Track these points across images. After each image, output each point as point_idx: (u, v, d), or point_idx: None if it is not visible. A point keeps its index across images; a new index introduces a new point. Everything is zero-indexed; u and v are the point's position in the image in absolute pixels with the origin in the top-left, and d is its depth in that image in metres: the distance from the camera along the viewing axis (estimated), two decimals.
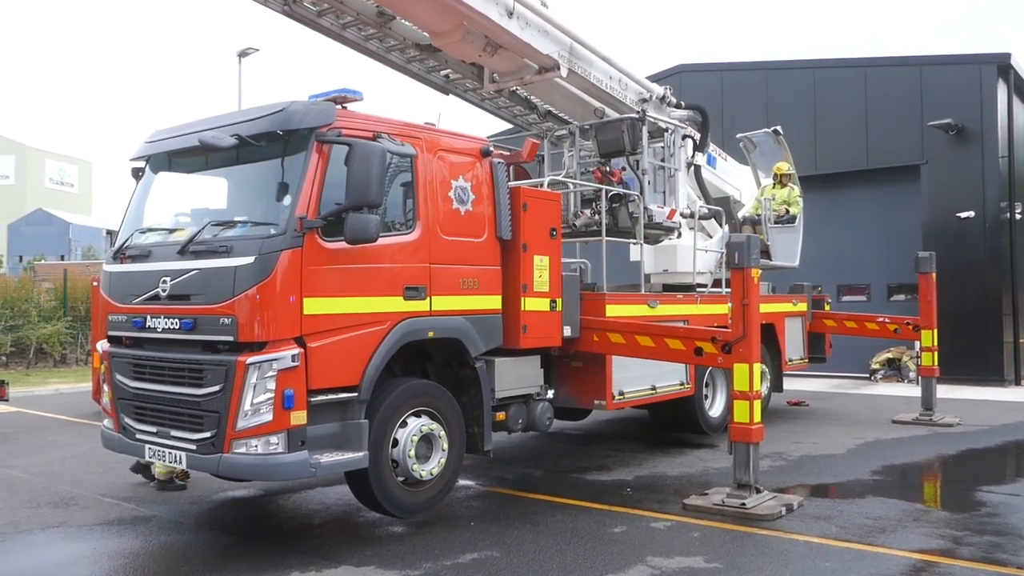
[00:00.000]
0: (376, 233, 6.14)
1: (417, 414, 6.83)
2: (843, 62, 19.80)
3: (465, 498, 7.93)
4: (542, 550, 6.23)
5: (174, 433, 6.35)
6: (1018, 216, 18.02)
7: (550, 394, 8.39)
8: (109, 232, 7.47)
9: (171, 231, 6.96)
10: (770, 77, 20.14)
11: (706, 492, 7.72)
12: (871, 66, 18.98)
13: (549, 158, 11.48)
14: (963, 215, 17.26)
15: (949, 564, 5.88)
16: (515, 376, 7.91)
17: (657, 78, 13.75)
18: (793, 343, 12.93)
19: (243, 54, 26.15)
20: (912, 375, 17.13)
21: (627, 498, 7.84)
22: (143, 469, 8.37)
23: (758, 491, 7.41)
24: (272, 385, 5.85)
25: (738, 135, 13.90)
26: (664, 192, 10.64)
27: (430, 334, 6.96)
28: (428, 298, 6.91)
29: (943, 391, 13.54)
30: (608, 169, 10.14)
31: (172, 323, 6.39)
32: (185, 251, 6.37)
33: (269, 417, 5.86)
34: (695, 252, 10.63)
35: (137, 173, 7.50)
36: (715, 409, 10.91)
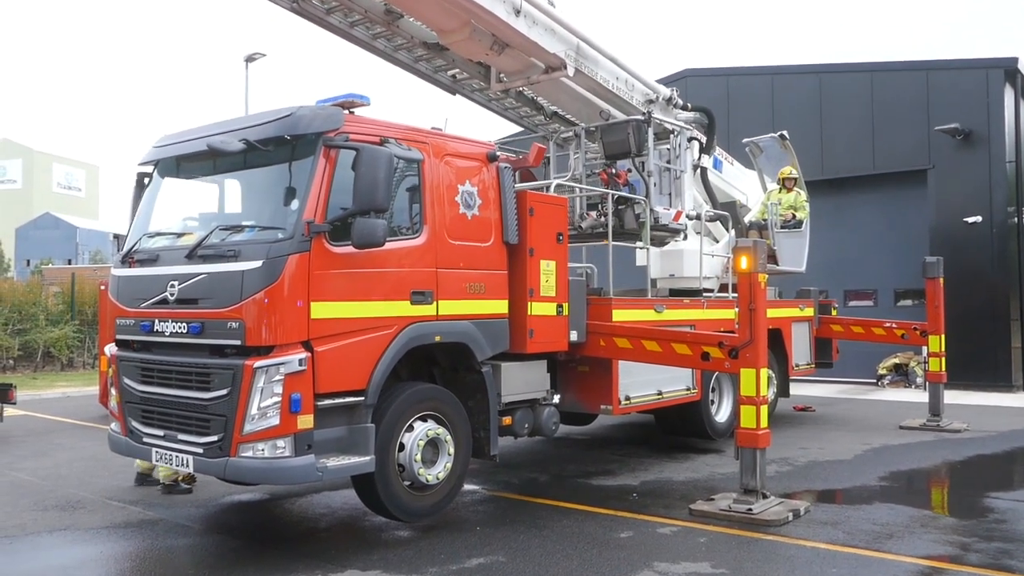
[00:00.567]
0: (383, 237, 6.15)
1: (423, 418, 6.83)
2: (849, 67, 19.78)
3: (471, 503, 7.92)
4: (548, 555, 6.23)
5: (181, 437, 6.37)
6: None
7: (556, 399, 8.39)
8: (116, 236, 7.52)
9: (179, 235, 7.00)
10: (776, 82, 20.13)
11: (712, 497, 7.70)
12: (878, 71, 18.95)
13: (555, 160, 11.49)
14: (970, 220, 17.21)
15: (957, 571, 5.86)
16: (521, 381, 7.92)
17: (663, 83, 13.75)
18: (800, 348, 12.90)
19: (250, 59, 26.24)
20: (919, 380, 17.07)
21: (633, 503, 7.83)
22: (145, 479, 8.38)
23: (765, 496, 7.40)
24: (279, 389, 5.86)
25: (744, 140, 13.89)
26: (670, 194, 10.64)
27: (437, 338, 6.97)
28: (435, 302, 6.91)
29: (950, 397, 13.49)
30: (614, 171, 10.14)
31: (180, 327, 6.40)
32: (193, 255, 6.39)
33: (276, 421, 5.87)
34: (701, 257, 10.62)
35: (141, 179, 7.53)
36: (721, 414, 10.89)
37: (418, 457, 6.68)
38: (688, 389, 10.07)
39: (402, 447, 6.65)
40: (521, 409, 7.92)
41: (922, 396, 14.02)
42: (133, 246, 7.11)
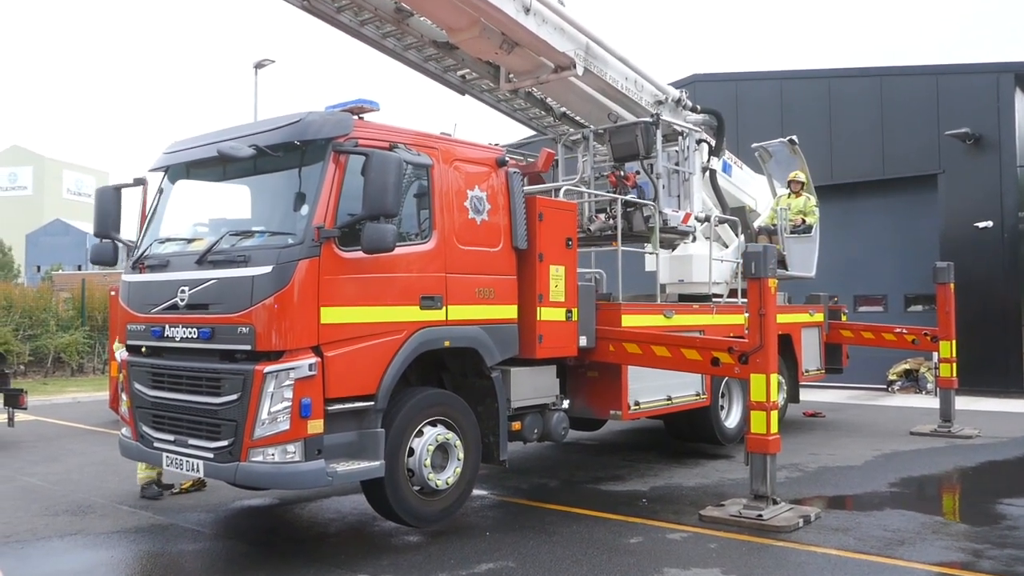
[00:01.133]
0: (393, 243, 6.16)
1: (433, 423, 6.83)
2: (859, 71, 19.74)
3: (480, 508, 7.91)
4: (558, 561, 6.21)
5: (192, 442, 6.39)
6: None
7: (565, 404, 8.38)
8: (120, 241, 7.45)
9: (189, 241, 7.02)
10: (785, 86, 20.10)
11: (722, 503, 7.67)
12: (887, 75, 18.92)
13: (563, 162, 11.49)
14: (981, 225, 17.14)
15: None
16: (531, 386, 7.91)
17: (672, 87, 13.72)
18: (810, 354, 12.85)
19: (259, 65, 26.36)
20: (930, 386, 16.98)
21: (643, 509, 7.81)
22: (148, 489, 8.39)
23: (775, 502, 7.37)
24: (289, 394, 5.87)
25: (753, 145, 13.87)
26: (679, 196, 10.62)
27: (446, 343, 6.97)
28: (444, 307, 6.92)
29: (962, 402, 13.43)
30: (622, 173, 10.13)
31: (190, 332, 6.42)
32: (203, 261, 6.41)
33: (286, 426, 5.88)
34: (711, 262, 10.60)
35: (140, 181, 7.57)
36: (731, 420, 10.85)
37: (428, 462, 6.68)
38: (698, 394, 10.04)
39: (412, 452, 6.65)
40: (530, 414, 7.91)
41: (933, 402, 13.96)
42: (144, 252, 7.14)
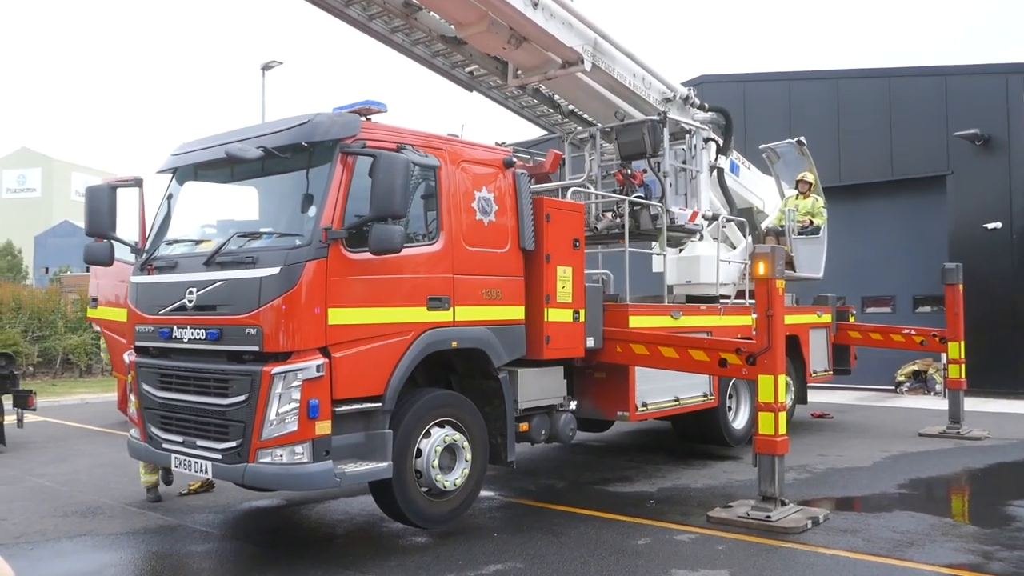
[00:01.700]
0: (400, 244, 6.16)
1: (440, 424, 6.83)
2: (867, 72, 19.68)
3: (488, 509, 7.91)
4: (565, 562, 6.21)
5: (200, 443, 6.40)
6: None
7: (573, 405, 8.37)
8: (117, 240, 7.44)
9: (197, 242, 7.04)
10: (793, 87, 20.05)
11: (730, 504, 7.66)
12: (895, 76, 18.85)
13: (571, 161, 11.49)
14: (990, 226, 17.06)
15: None
16: (538, 387, 7.90)
17: None
18: (818, 355, 12.83)
19: (267, 67, 26.42)
20: (939, 387, 16.92)
21: (650, 510, 7.79)
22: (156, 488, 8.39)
23: (783, 504, 7.35)
24: (297, 395, 5.88)
25: (761, 146, 13.84)
26: (686, 195, 10.61)
27: (453, 344, 6.97)
28: (451, 308, 6.92)
29: (971, 404, 13.37)
30: (629, 172, 10.14)
31: (198, 333, 6.44)
32: (211, 262, 6.43)
33: (294, 427, 5.89)
34: (719, 263, 10.58)
35: (137, 181, 7.59)
36: (739, 421, 10.84)
37: (435, 463, 6.68)
38: (705, 396, 10.03)
39: (419, 453, 6.65)
40: (538, 415, 7.91)
41: (941, 403, 13.91)
42: (152, 253, 7.16)
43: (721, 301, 10.57)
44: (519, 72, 9.83)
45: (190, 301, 6.48)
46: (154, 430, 6.87)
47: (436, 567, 6.12)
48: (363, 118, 6.57)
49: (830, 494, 8.50)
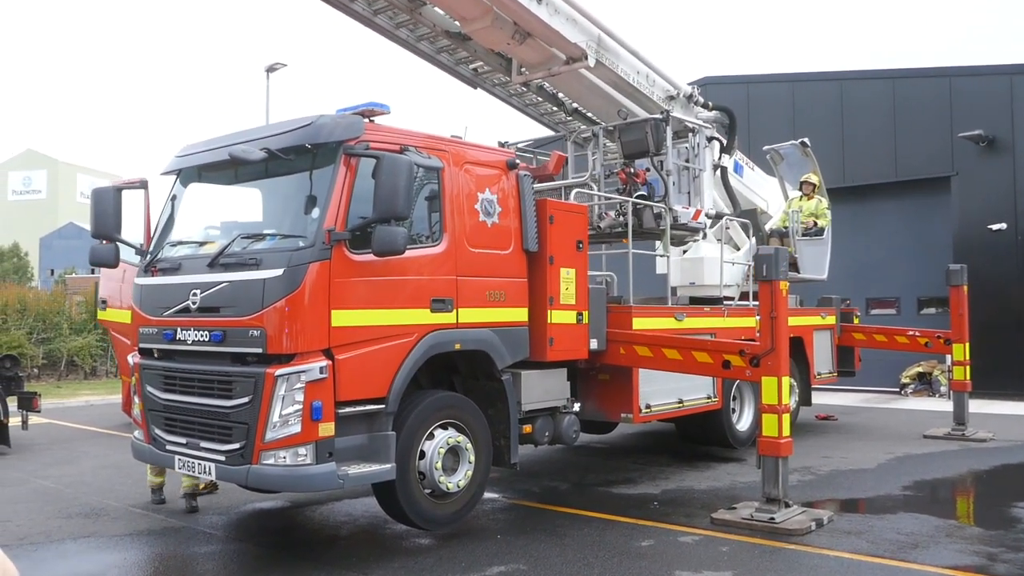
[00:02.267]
0: (403, 245, 6.17)
1: (444, 426, 6.83)
2: (871, 73, 19.65)
3: (491, 511, 7.91)
4: (569, 564, 6.20)
5: (203, 444, 6.41)
6: None
7: (577, 407, 8.36)
8: (122, 242, 7.45)
9: (201, 244, 7.05)
10: (797, 89, 20.03)
11: (734, 506, 7.64)
12: (899, 77, 18.82)
13: (574, 160, 11.50)
14: (995, 227, 17.02)
15: None
16: (542, 389, 7.90)
17: None
18: (822, 357, 12.80)
19: (271, 69, 26.47)
20: (943, 389, 16.88)
21: (654, 512, 7.78)
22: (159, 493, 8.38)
23: (787, 505, 7.33)
24: (300, 397, 5.88)
25: (765, 147, 13.82)
26: (689, 193, 10.61)
27: (457, 346, 6.97)
28: (455, 310, 6.92)
29: (975, 406, 13.34)
30: (632, 170, 10.14)
31: (202, 335, 6.45)
32: (215, 264, 6.44)
33: (297, 429, 5.89)
34: (722, 265, 10.57)
35: (142, 183, 7.59)
36: (743, 423, 10.82)
37: (439, 465, 6.68)
38: (709, 397, 10.01)
39: (423, 455, 6.66)
40: (541, 417, 7.90)
41: (946, 405, 13.87)
42: (156, 255, 7.18)
43: (725, 303, 10.57)
44: (523, 69, 9.87)
45: (194, 303, 6.49)
46: (158, 432, 6.88)
47: (439, 569, 6.12)
48: (366, 120, 6.57)
49: (834, 496, 8.48)
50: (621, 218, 9.72)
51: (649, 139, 9.83)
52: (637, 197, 9.82)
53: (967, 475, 9.70)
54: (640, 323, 8.91)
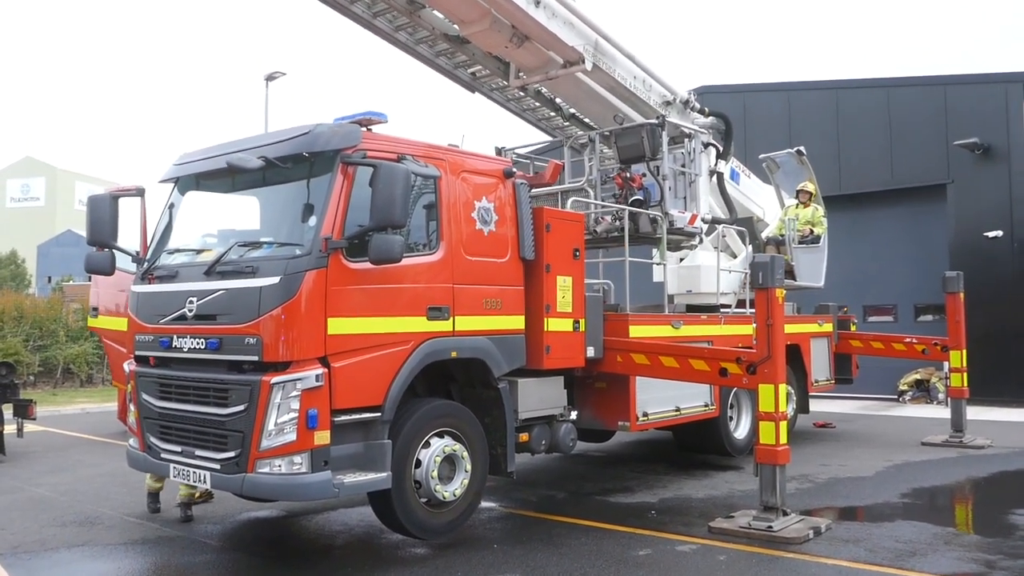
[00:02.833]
0: (400, 253, 6.17)
1: (440, 435, 6.81)
2: (866, 82, 19.70)
3: (488, 520, 7.89)
4: (566, 573, 6.18)
5: (199, 452, 6.39)
6: None
7: (573, 415, 8.35)
8: (118, 250, 7.44)
9: (198, 252, 7.05)
10: (793, 98, 20.08)
11: (732, 515, 7.63)
12: (895, 86, 18.88)
13: (570, 165, 11.52)
14: (991, 234, 17.05)
15: None
16: (538, 397, 7.89)
17: None
18: (819, 364, 12.80)
19: (270, 78, 26.52)
20: (941, 396, 16.88)
21: (652, 521, 7.76)
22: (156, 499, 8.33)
23: (785, 514, 7.32)
24: (296, 405, 5.87)
25: (761, 156, 13.84)
26: (685, 198, 10.64)
27: (453, 354, 6.96)
28: (451, 318, 6.92)
29: (973, 412, 13.33)
30: (628, 175, 10.17)
31: (198, 343, 6.44)
32: (212, 272, 6.44)
33: (293, 437, 5.88)
34: (719, 272, 10.58)
35: (139, 191, 7.59)
36: (740, 431, 10.81)
37: (435, 474, 6.66)
38: (706, 405, 10.00)
39: (419, 463, 6.63)
40: (538, 425, 7.89)
41: (944, 412, 13.84)
42: (153, 262, 7.17)
43: (722, 310, 10.56)
44: (521, 73, 9.91)
45: (190, 311, 6.48)
46: (153, 440, 6.86)
47: None
48: (364, 128, 6.57)
49: (832, 504, 8.47)
50: (617, 223, 9.74)
51: (645, 144, 9.86)
52: (633, 201, 9.84)
53: (965, 482, 9.70)
54: (637, 331, 8.90)
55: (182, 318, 6.56)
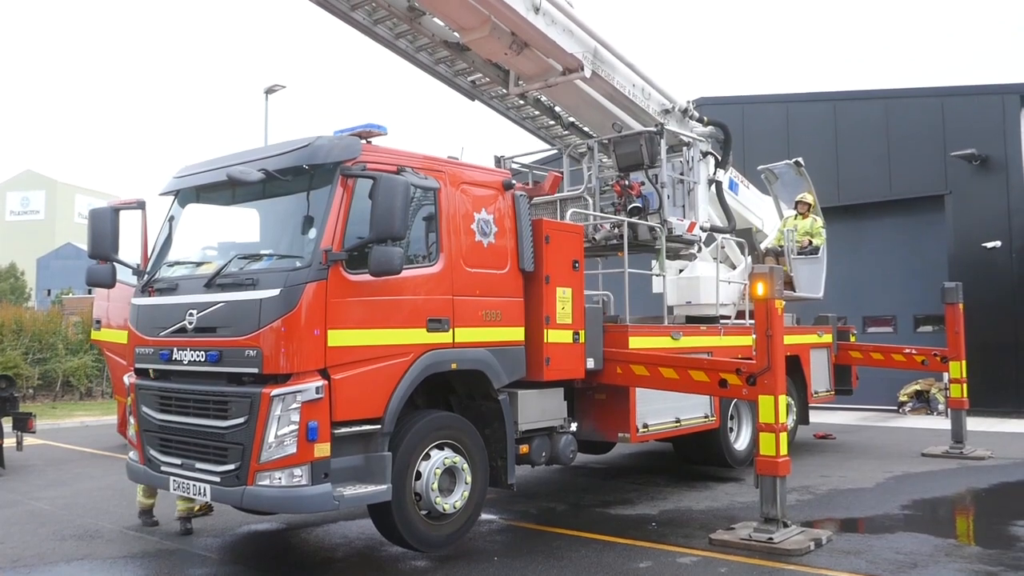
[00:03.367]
0: (400, 265, 6.18)
1: (440, 447, 6.80)
2: (864, 94, 19.79)
3: (488, 532, 7.87)
4: None
5: (199, 465, 6.38)
6: None
7: (573, 427, 8.35)
8: (119, 263, 7.44)
9: (198, 264, 7.06)
10: (791, 109, 20.17)
11: (733, 526, 7.61)
12: (892, 97, 18.96)
13: (569, 174, 11.56)
14: (989, 245, 17.09)
15: None
16: (538, 409, 7.89)
17: None
18: (819, 375, 12.79)
19: (270, 91, 26.58)
20: (941, 407, 16.87)
21: (652, 533, 7.75)
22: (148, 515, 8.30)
23: (786, 525, 7.30)
24: (296, 417, 5.87)
25: (759, 167, 13.89)
26: (683, 206, 10.67)
27: (453, 366, 6.96)
28: (451, 330, 6.92)
29: (973, 423, 13.32)
30: (627, 183, 10.19)
31: (198, 355, 6.44)
32: (212, 284, 6.45)
33: (293, 449, 5.87)
34: (718, 283, 10.59)
35: (140, 204, 7.60)
36: (740, 442, 10.79)
37: (435, 486, 6.64)
38: (706, 417, 9.99)
39: (419, 476, 6.62)
40: (538, 437, 7.89)
41: (944, 423, 13.84)
42: (153, 275, 7.18)
43: (721, 321, 10.57)
44: (520, 80, 9.95)
45: (190, 323, 6.49)
46: (153, 452, 6.85)
47: None
48: (364, 141, 6.60)
49: (833, 515, 8.45)
50: (616, 230, 9.76)
51: (644, 151, 9.90)
52: (632, 209, 9.87)
53: (966, 493, 9.68)
54: (636, 342, 8.90)
55: (182, 330, 6.56)
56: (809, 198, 13.03)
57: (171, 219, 7.47)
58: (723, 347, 10.09)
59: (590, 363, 8.31)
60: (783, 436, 7.27)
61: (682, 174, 10.72)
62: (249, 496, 6.02)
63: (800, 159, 13.42)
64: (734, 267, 11.92)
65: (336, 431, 6.05)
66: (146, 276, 7.25)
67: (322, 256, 6.06)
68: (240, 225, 7.26)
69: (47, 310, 29.21)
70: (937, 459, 11.78)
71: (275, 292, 6.03)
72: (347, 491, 6.04)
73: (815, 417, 13.62)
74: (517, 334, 7.59)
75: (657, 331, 9.51)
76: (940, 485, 10.01)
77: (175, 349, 6.65)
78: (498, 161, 11.03)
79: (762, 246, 12.94)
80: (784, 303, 7.85)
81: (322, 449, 5.93)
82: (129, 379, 7.29)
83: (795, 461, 8.08)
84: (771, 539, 7.05)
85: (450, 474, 6.82)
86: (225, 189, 6.86)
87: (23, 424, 11.68)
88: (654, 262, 10.43)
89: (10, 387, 12.17)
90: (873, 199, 18.66)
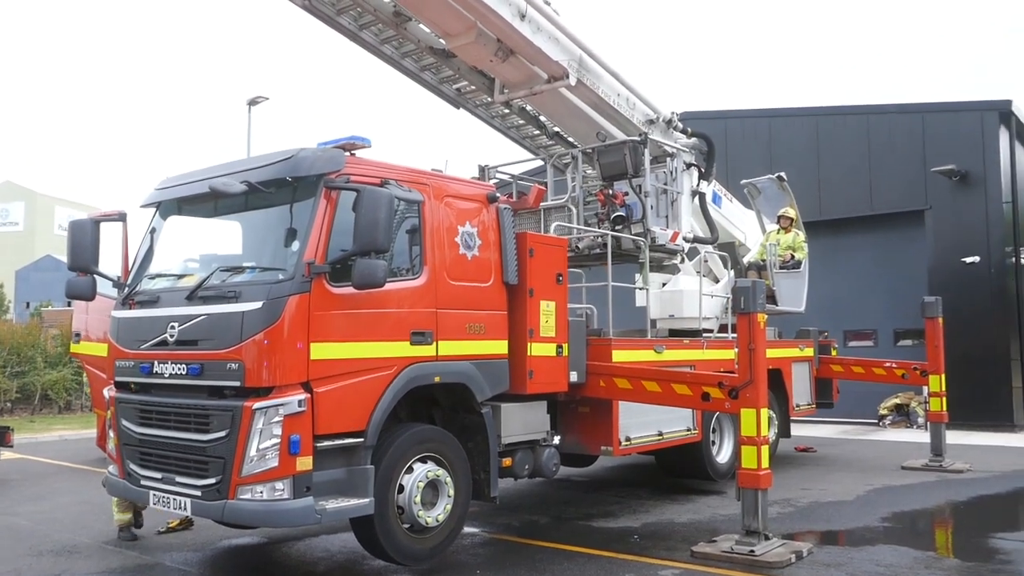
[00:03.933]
0: (383, 278, 6.17)
1: (423, 460, 6.79)
2: (845, 109, 20.01)
3: (471, 545, 7.84)
4: None
5: (179, 479, 6.33)
6: None
7: (556, 440, 8.35)
8: (99, 275, 7.40)
9: (180, 277, 7.03)
10: (773, 124, 20.35)
11: (714, 539, 7.63)
12: (873, 113, 19.18)
13: (553, 184, 11.61)
14: (968, 260, 17.28)
15: None
16: (521, 422, 7.88)
17: None
18: (800, 389, 12.86)
19: (253, 102, 26.53)
20: (921, 421, 16.99)
21: (635, 545, 7.75)
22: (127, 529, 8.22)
23: (767, 538, 7.33)
24: (278, 431, 5.84)
25: (742, 181, 14.00)
26: (667, 216, 10.73)
27: (436, 379, 6.96)
28: (435, 343, 6.92)
29: (952, 437, 13.42)
30: (611, 192, 10.24)
31: (179, 368, 6.40)
32: (193, 297, 6.42)
33: (275, 463, 5.84)
34: (701, 297, 10.64)
35: (121, 216, 7.56)
36: (722, 455, 10.83)
37: (418, 499, 6.62)
38: (689, 430, 10.02)
39: (401, 489, 6.60)
40: (521, 450, 7.88)
41: (924, 436, 13.93)
42: (134, 288, 7.13)
43: (704, 335, 10.62)
44: (505, 88, 9.99)
45: (171, 336, 6.45)
46: (133, 466, 6.79)
47: None
48: (347, 153, 6.60)
49: (814, 528, 8.49)
50: (600, 239, 9.80)
51: (627, 161, 9.97)
52: (615, 218, 9.91)
53: (945, 506, 9.75)
54: (620, 355, 8.93)
55: (163, 343, 6.52)
56: (791, 212, 13.15)
57: (152, 231, 7.44)
58: (706, 360, 10.14)
59: (573, 376, 8.33)
60: (765, 449, 7.31)
61: (666, 184, 10.79)
62: (230, 510, 5.98)
63: (783, 174, 13.54)
64: (717, 281, 11.99)
65: (318, 444, 6.02)
66: (127, 289, 7.21)
67: (305, 269, 6.05)
68: (222, 237, 7.24)
69: (26, 323, 28.91)
70: (917, 472, 11.87)
71: (258, 305, 6.01)
72: (329, 505, 6.01)
73: (796, 430, 13.69)
74: (501, 347, 7.60)
75: (640, 344, 9.55)
76: (920, 498, 10.08)
77: (156, 362, 6.61)
78: (482, 170, 11.06)
79: (744, 260, 13.03)
80: (766, 317, 7.91)
81: (304, 463, 5.90)
82: (109, 392, 7.24)
83: (777, 474, 8.12)
84: (752, 551, 7.07)
85: (433, 487, 6.81)
86: (207, 201, 6.85)
87: (1, 438, 11.55)
88: (637, 276, 10.48)
89: None
90: (854, 214, 18.84)
